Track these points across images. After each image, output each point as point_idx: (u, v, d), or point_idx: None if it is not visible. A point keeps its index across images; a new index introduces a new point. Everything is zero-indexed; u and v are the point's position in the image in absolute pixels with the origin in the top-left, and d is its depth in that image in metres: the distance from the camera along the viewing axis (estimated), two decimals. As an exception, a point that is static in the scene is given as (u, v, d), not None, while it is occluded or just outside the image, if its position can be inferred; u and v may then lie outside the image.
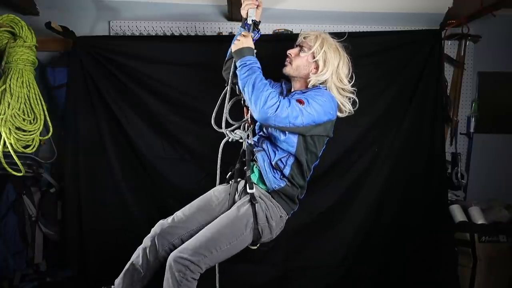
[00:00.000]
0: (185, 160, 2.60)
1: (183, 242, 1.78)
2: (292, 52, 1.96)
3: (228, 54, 2.09)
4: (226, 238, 1.73)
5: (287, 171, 1.84)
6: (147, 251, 1.80)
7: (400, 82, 2.61)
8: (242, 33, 1.87)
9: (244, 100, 1.91)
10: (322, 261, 2.60)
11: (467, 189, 2.87)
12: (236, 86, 1.93)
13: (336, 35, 2.01)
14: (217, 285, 2.08)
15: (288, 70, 1.96)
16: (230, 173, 2.01)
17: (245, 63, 1.79)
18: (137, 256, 1.82)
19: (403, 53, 2.62)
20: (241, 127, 1.99)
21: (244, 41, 1.83)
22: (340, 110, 1.93)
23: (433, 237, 2.59)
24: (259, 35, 1.95)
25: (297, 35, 2.04)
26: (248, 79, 1.75)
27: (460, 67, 2.85)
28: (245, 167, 1.89)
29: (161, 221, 1.86)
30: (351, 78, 1.94)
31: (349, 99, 1.94)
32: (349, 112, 1.96)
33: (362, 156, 2.61)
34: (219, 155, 1.96)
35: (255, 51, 1.86)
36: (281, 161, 1.84)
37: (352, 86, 1.94)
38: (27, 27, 2.37)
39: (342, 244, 2.61)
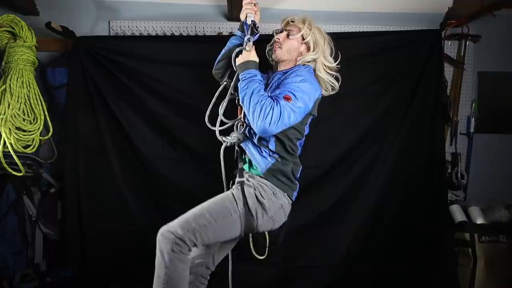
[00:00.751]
0: (185, 160, 2.60)
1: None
2: (280, 36, 1.98)
3: (221, 54, 2.09)
4: (212, 214, 1.72)
5: (272, 145, 1.84)
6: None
7: (400, 82, 2.61)
8: (246, 48, 1.87)
9: (238, 100, 1.92)
10: (322, 261, 2.60)
11: (467, 189, 2.87)
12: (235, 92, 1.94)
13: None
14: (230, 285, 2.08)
15: (278, 53, 1.96)
16: (232, 181, 2.01)
17: (245, 76, 1.81)
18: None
19: (403, 53, 2.62)
20: (234, 126, 1.99)
21: (248, 55, 1.86)
22: (326, 89, 1.96)
23: (433, 237, 2.58)
24: (258, 36, 1.96)
25: None
26: (246, 91, 1.76)
27: (460, 67, 2.85)
28: (240, 164, 1.90)
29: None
30: (335, 57, 1.99)
31: (333, 76, 1.97)
32: (332, 87, 1.97)
33: (362, 156, 2.61)
34: (221, 162, 1.93)
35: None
36: (264, 139, 1.84)
37: (337, 64, 1.98)
38: (27, 27, 2.37)
39: (342, 244, 2.60)
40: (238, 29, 2.08)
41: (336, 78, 1.98)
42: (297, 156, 1.93)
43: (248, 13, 1.94)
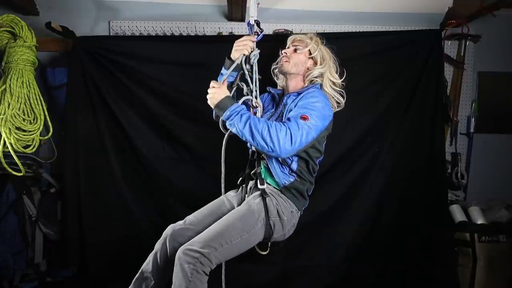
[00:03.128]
0: (185, 160, 2.60)
1: None
2: (288, 51, 2.02)
3: None
4: (237, 232, 1.71)
5: (294, 166, 1.87)
6: (158, 256, 1.77)
7: (400, 82, 2.61)
8: (212, 84, 1.81)
9: (251, 102, 1.91)
10: (322, 260, 2.60)
11: (467, 189, 2.87)
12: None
13: (329, 36, 2.09)
14: (223, 285, 2.05)
15: (286, 66, 1.99)
16: (240, 178, 2.02)
17: (237, 111, 1.74)
18: (147, 263, 1.79)
19: (403, 53, 2.62)
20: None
21: (219, 92, 1.79)
22: (332, 106, 1.99)
23: (433, 237, 2.59)
24: (262, 36, 1.94)
25: None
26: (245, 128, 1.71)
27: (460, 67, 2.85)
28: (256, 165, 1.91)
29: (172, 225, 1.85)
30: (340, 74, 2.05)
31: (339, 93, 2.03)
32: (338, 103, 2.03)
33: (362, 156, 2.61)
34: (222, 153, 1.91)
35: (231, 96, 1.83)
36: (289, 157, 1.84)
37: (342, 82, 2.04)
38: (27, 27, 2.37)
39: (342, 244, 2.61)
40: (224, 67, 1.94)
41: (341, 95, 2.03)
42: (314, 176, 1.97)
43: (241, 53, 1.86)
